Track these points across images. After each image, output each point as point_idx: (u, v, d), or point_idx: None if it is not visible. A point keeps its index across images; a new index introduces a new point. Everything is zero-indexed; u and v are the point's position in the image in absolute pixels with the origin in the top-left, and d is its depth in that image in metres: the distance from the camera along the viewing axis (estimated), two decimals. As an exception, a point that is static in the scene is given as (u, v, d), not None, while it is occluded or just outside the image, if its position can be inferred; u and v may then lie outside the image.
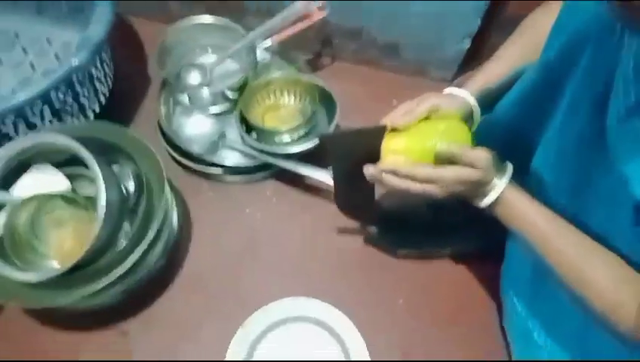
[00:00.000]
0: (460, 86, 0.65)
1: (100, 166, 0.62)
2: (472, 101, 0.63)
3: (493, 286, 0.73)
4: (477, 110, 0.63)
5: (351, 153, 0.59)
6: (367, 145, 0.58)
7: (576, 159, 0.52)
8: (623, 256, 0.49)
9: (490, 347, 0.72)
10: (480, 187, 0.55)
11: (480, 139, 0.65)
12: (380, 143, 0.58)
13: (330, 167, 0.78)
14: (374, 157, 0.58)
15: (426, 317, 0.75)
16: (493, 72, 0.64)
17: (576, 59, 0.49)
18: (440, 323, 0.74)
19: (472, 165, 0.54)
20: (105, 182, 0.61)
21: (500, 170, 0.55)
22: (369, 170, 0.58)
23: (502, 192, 0.54)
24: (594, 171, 0.50)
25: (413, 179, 0.55)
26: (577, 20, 0.49)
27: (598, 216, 0.51)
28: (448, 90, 0.64)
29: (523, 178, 0.61)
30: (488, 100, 0.64)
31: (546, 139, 0.57)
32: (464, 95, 0.63)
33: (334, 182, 0.66)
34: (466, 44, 0.91)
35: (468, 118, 0.63)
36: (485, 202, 0.55)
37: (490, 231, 0.61)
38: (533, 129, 0.58)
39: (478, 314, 0.75)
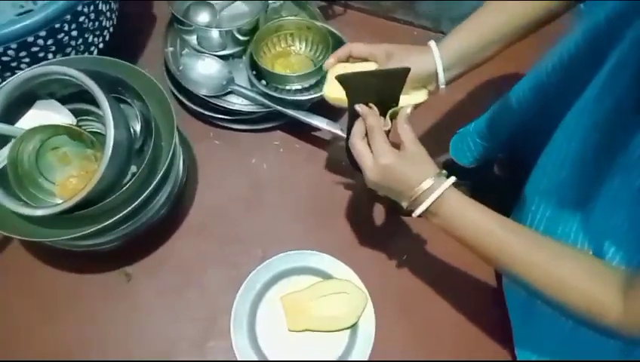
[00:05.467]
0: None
1: (108, 101, 0.60)
2: (438, 62, 0.57)
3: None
4: (441, 73, 0.57)
5: (370, 95, 0.56)
6: (387, 87, 0.56)
7: (609, 129, 0.50)
8: (628, 242, 0.47)
9: (490, 305, 0.73)
10: (404, 187, 0.51)
11: (511, 103, 0.63)
12: (401, 87, 0.56)
13: (340, 121, 0.77)
14: (394, 100, 0.57)
15: (429, 274, 0.75)
16: (474, 32, 0.57)
17: (631, 23, 0.46)
18: (442, 280, 0.75)
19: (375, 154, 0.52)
20: (114, 119, 0.59)
21: (436, 175, 0.51)
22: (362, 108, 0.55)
23: (443, 196, 0.50)
24: (622, 139, 0.48)
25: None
26: None
27: (611, 186, 0.50)
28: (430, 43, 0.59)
29: (536, 157, 0.61)
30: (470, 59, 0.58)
31: (577, 110, 0.55)
32: (435, 54, 0.57)
33: (348, 125, 0.64)
34: (486, -2, 0.88)
35: (430, 77, 0.58)
36: (421, 208, 0.51)
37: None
38: (567, 101, 0.56)
39: (481, 268, 0.75)
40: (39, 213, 0.58)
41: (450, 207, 0.51)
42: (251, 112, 0.79)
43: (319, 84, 0.79)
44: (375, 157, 0.52)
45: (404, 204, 0.54)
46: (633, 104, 0.47)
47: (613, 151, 0.50)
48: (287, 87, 0.78)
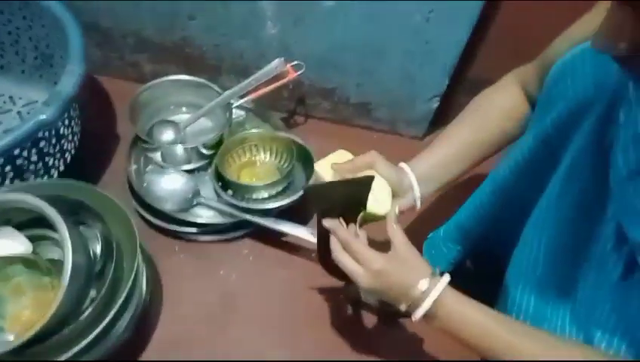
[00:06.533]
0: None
1: (67, 226, 0.57)
2: (412, 177, 0.60)
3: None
4: (416, 187, 0.60)
5: (337, 205, 0.57)
6: (353, 196, 0.57)
7: (576, 224, 0.52)
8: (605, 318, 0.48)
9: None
10: (401, 289, 0.52)
11: (476, 207, 0.66)
12: (367, 194, 0.57)
13: (309, 224, 0.77)
14: (362, 206, 0.57)
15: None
16: (441, 151, 0.63)
17: (577, 125, 0.50)
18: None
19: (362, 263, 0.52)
20: (72, 244, 0.57)
21: (431, 276, 0.51)
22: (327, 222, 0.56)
23: (440, 297, 0.50)
24: (591, 231, 0.50)
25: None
26: (575, 88, 0.50)
27: (589, 277, 0.51)
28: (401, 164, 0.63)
29: (510, 249, 0.62)
30: (441, 176, 0.63)
31: (542, 208, 0.57)
32: (407, 170, 0.61)
33: (318, 237, 0.64)
34: (435, 103, 0.94)
35: (405, 190, 0.61)
36: (420, 311, 0.51)
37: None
38: (529, 197, 0.59)
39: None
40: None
41: (449, 308, 0.50)
42: (218, 223, 0.78)
43: (286, 190, 0.80)
44: (365, 266, 0.52)
45: (403, 307, 0.53)
46: (593, 198, 0.49)
47: (585, 244, 0.52)
48: (254, 196, 0.78)
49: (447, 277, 0.52)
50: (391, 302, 0.54)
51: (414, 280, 0.51)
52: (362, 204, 0.57)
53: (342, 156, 0.62)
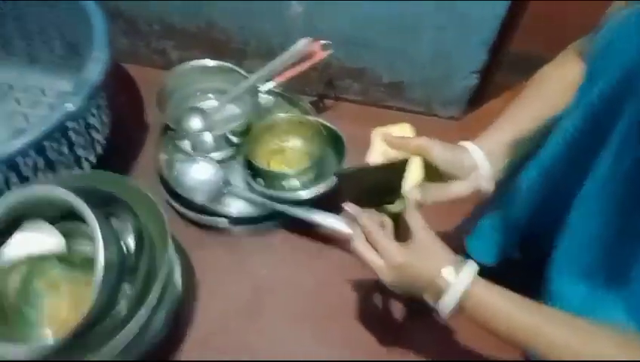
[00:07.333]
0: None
1: (98, 221, 0.56)
2: (478, 153, 0.56)
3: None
4: (483, 163, 0.56)
5: (371, 190, 0.54)
6: (388, 180, 0.54)
7: (624, 205, 0.48)
8: None
9: None
10: (424, 282, 0.49)
11: (521, 193, 0.62)
12: (400, 180, 0.54)
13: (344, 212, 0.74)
14: (396, 194, 0.54)
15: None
16: (508, 127, 0.59)
17: (627, 96, 0.46)
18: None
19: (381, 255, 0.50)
20: (103, 240, 0.56)
21: (455, 263, 0.49)
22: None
23: (468, 288, 0.47)
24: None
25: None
26: (623, 55, 0.46)
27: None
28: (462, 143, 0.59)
29: (554, 236, 0.58)
30: (510, 153, 0.59)
31: (589, 189, 0.53)
32: (471, 147, 0.57)
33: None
34: (473, 80, 0.89)
35: (467, 171, 0.56)
36: (445, 305, 0.48)
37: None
38: (575, 179, 0.55)
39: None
40: (25, 354, 0.52)
41: (478, 299, 0.48)
42: (249, 214, 0.76)
43: (318, 178, 0.77)
44: (385, 259, 0.49)
45: (429, 300, 0.50)
46: None
47: (638, 228, 0.48)
48: (285, 185, 0.76)
49: (473, 265, 0.49)
50: (417, 297, 0.51)
51: (437, 269, 0.48)
52: (395, 191, 0.54)
53: (403, 129, 0.58)
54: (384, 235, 0.50)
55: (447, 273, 0.48)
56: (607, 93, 0.48)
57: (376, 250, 0.50)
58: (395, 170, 0.54)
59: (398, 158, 0.55)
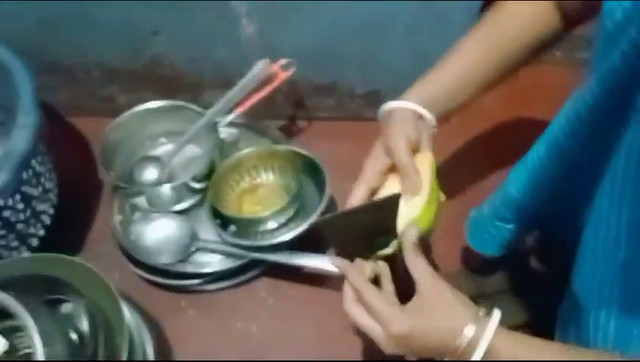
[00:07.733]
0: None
1: (38, 315, 0.48)
2: (423, 110, 0.52)
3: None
4: (423, 112, 0.52)
5: (360, 235, 0.46)
6: (378, 221, 0.45)
7: None
8: None
9: None
10: (438, 346, 0.41)
11: (529, 174, 0.56)
12: (395, 217, 0.46)
13: (331, 250, 0.65)
14: (391, 234, 0.46)
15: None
16: (446, 73, 0.55)
17: None
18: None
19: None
20: (43, 337, 0.47)
21: (477, 319, 0.41)
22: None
23: (491, 345, 0.40)
24: None
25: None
26: None
27: None
28: (390, 105, 0.53)
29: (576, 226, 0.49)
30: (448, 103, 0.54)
31: (617, 172, 0.43)
32: (412, 107, 0.52)
33: None
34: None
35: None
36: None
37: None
38: (596, 158, 0.46)
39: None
40: None
41: (503, 353, 0.40)
42: (225, 269, 0.67)
43: (299, 213, 0.68)
44: (383, 327, 0.40)
45: (448, 358, 0.42)
46: None
47: None
48: (262, 229, 0.67)
49: (496, 318, 0.40)
50: (430, 357, 0.42)
51: (458, 328, 0.40)
52: (389, 231, 0.45)
53: (424, 159, 0.50)
54: (379, 297, 0.42)
55: (470, 332, 0.40)
56: (634, 53, 0.39)
57: (371, 315, 0.41)
58: (386, 207, 0.46)
59: (389, 195, 0.46)
